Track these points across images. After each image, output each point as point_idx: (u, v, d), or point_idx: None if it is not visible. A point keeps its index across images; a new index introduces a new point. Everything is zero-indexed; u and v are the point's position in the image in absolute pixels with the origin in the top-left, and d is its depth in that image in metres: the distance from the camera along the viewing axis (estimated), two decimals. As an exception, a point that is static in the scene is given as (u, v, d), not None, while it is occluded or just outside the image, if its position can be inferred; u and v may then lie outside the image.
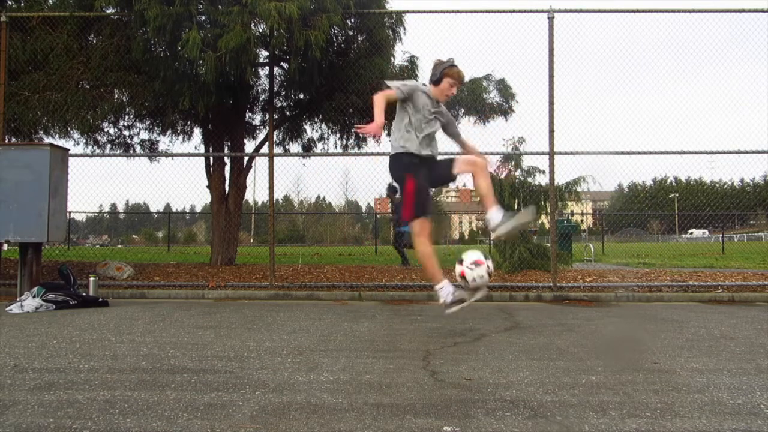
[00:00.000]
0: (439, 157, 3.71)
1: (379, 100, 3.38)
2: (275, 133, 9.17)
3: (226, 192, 8.89)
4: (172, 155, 8.24)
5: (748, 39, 6.67)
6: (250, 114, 9.54)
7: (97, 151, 8.86)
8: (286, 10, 5.71)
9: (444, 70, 3.55)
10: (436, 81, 3.59)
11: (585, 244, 16.66)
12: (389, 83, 3.53)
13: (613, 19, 9.62)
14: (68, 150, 5.88)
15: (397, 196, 9.88)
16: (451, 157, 3.73)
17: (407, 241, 10.08)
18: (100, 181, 9.36)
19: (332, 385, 2.35)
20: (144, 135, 9.25)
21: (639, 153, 6.41)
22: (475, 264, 3.39)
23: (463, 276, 3.42)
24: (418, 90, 3.58)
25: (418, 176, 3.49)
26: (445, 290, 3.42)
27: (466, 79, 8.18)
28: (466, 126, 8.31)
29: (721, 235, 24.24)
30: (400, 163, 3.57)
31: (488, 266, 3.41)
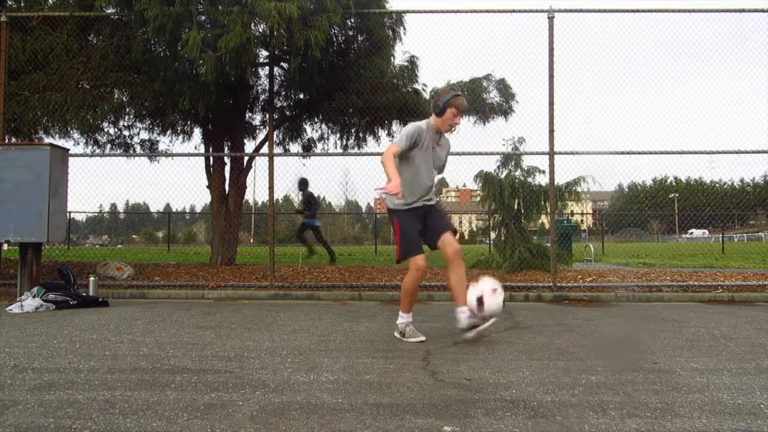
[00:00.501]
0: (436, 218, 3.60)
1: (388, 161, 3.37)
2: (275, 133, 9.17)
3: (226, 192, 8.89)
4: (172, 155, 8.24)
5: (748, 39, 6.68)
6: (250, 114, 9.55)
7: (97, 151, 8.86)
8: (286, 10, 5.71)
9: (448, 101, 3.49)
10: (439, 112, 3.54)
11: (585, 244, 16.66)
12: (396, 140, 3.53)
13: (613, 19, 9.63)
14: (68, 150, 5.88)
15: (309, 189, 9.99)
16: (441, 228, 3.57)
17: (311, 237, 10.21)
18: (100, 181, 9.37)
19: (332, 385, 2.35)
20: (144, 135, 9.27)
21: (639, 153, 6.42)
22: (493, 291, 3.38)
23: (481, 301, 3.35)
24: (421, 132, 3.54)
25: (409, 219, 3.54)
26: (405, 320, 3.55)
27: (467, 79, 8.26)
28: (466, 126, 8.31)
29: (721, 235, 24.24)
30: (390, 210, 3.65)
31: (502, 294, 3.43)
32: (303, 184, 9.94)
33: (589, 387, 2.35)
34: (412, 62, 8.25)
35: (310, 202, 10.01)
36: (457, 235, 3.53)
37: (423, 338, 3.47)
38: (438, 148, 3.64)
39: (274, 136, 8.86)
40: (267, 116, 8.75)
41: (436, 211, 3.64)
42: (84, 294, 5.40)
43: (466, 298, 3.41)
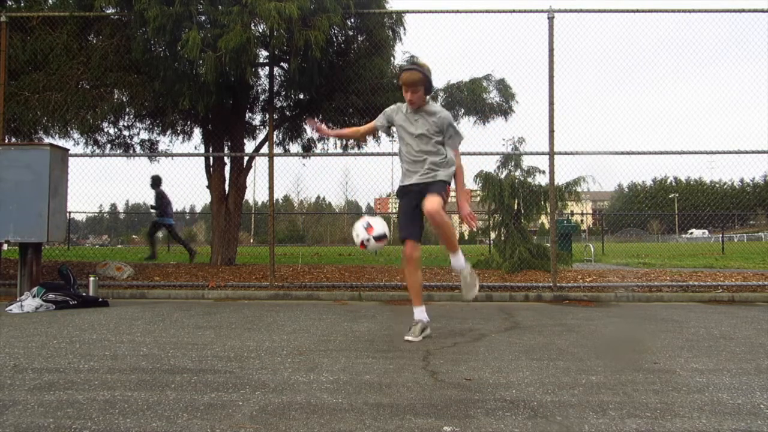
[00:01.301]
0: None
1: (347, 129, 3.61)
2: (275, 133, 9.17)
3: (226, 192, 8.88)
4: (172, 155, 8.25)
5: (748, 39, 6.68)
6: (250, 114, 9.54)
7: (97, 151, 8.86)
8: (286, 10, 5.71)
9: (398, 77, 3.50)
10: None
11: (585, 244, 16.66)
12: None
13: (613, 19, 9.61)
14: (68, 150, 5.89)
15: (161, 188, 10.19)
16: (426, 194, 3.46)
17: (155, 235, 10.40)
18: (100, 181, 9.37)
19: (332, 385, 2.35)
20: (144, 135, 9.28)
21: (639, 153, 6.42)
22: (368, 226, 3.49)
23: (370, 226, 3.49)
24: (392, 111, 3.65)
25: (403, 201, 3.62)
26: (421, 314, 3.52)
27: (467, 79, 8.26)
28: (467, 126, 8.31)
29: (721, 235, 24.23)
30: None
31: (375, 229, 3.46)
32: (155, 181, 10.05)
33: (589, 387, 2.35)
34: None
35: (162, 201, 10.17)
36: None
37: (413, 339, 3.43)
38: (419, 122, 3.53)
39: (274, 136, 8.86)
40: (267, 116, 8.74)
41: (433, 184, 3.49)
42: (84, 294, 5.40)
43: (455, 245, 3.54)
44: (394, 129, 3.74)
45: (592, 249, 13.98)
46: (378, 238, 3.43)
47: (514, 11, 6.23)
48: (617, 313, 4.95)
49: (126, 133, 9.11)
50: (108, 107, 7.27)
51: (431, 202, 3.33)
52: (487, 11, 6.36)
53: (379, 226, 3.47)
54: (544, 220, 10.22)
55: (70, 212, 14.56)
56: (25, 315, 4.68)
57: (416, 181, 3.52)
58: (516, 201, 8.60)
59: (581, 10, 6.30)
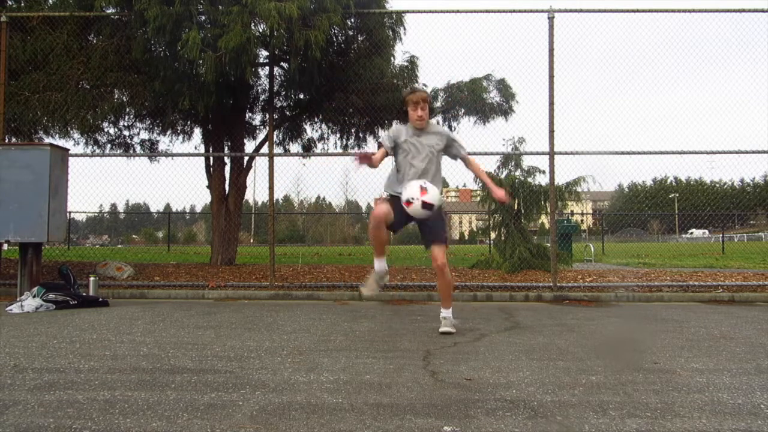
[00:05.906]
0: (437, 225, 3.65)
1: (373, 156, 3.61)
2: (275, 133, 9.17)
3: (226, 192, 8.89)
4: (172, 155, 8.25)
5: (749, 39, 6.68)
6: (250, 114, 9.55)
7: (97, 151, 8.87)
8: (286, 10, 5.71)
9: (404, 100, 3.78)
10: (406, 113, 3.79)
11: (585, 244, 16.65)
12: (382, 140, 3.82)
13: (613, 19, 9.61)
14: (68, 150, 5.89)
15: None
16: (437, 231, 3.66)
17: None
18: (100, 181, 9.35)
19: (332, 385, 2.35)
20: (144, 135, 9.28)
21: (639, 153, 6.41)
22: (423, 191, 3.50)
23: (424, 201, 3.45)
24: (400, 131, 3.77)
25: (394, 198, 3.67)
26: (379, 265, 3.71)
27: (467, 79, 8.26)
28: (467, 126, 8.32)
29: (721, 235, 24.20)
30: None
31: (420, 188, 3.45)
32: None
33: (589, 387, 2.35)
34: (412, 62, 8.26)
35: None
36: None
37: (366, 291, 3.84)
38: (422, 140, 3.72)
39: (274, 136, 8.86)
40: (267, 116, 8.75)
41: (439, 215, 3.67)
42: (84, 294, 5.40)
43: (449, 302, 3.73)
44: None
45: (592, 249, 13.98)
46: (426, 205, 3.40)
47: (514, 11, 6.23)
48: (617, 313, 4.95)
49: (126, 133, 9.12)
50: (108, 107, 7.26)
51: (439, 259, 3.59)
52: (487, 11, 6.36)
53: (434, 194, 3.44)
54: (544, 220, 10.22)
55: (70, 212, 14.55)
56: (25, 315, 4.68)
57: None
58: (516, 201, 8.60)
59: (581, 10, 6.29)
